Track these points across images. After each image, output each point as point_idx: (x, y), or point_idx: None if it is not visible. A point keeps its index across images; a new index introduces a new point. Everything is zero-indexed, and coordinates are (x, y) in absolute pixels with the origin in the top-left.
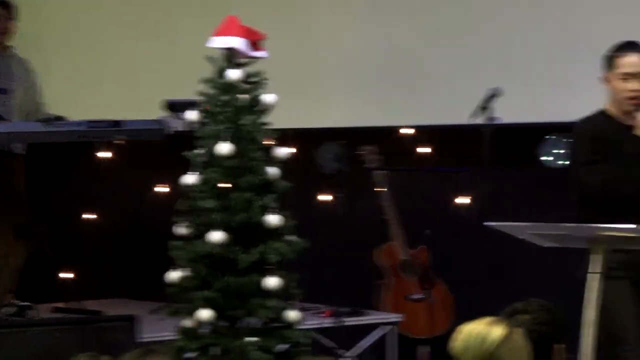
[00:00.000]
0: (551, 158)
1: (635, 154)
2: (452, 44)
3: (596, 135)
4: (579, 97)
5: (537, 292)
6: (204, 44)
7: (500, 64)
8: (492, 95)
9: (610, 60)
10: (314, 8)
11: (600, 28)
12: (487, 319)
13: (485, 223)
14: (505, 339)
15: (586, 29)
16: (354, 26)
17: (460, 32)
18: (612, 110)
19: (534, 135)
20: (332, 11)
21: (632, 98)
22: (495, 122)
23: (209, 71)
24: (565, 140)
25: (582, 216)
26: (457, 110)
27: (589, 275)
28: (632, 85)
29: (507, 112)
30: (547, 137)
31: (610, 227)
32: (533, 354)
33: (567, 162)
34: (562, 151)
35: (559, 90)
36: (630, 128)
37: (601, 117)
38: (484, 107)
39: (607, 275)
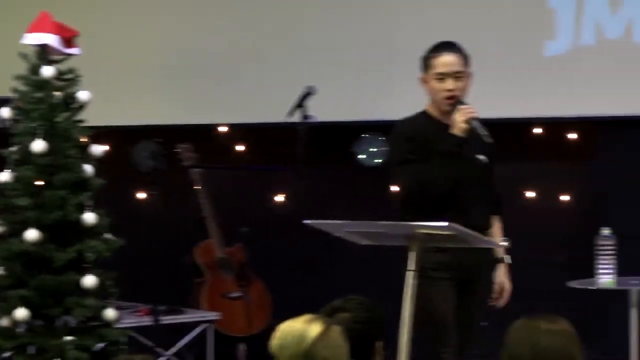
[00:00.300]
0: (366, 156)
1: (451, 152)
2: (267, 43)
3: (414, 135)
4: (395, 96)
5: (355, 289)
6: (17, 39)
7: (315, 62)
8: (307, 94)
9: (426, 61)
10: (127, 6)
11: (416, 28)
12: (305, 317)
13: (305, 221)
14: (322, 337)
15: (401, 28)
16: (167, 24)
17: (275, 31)
18: (432, 110)
19: (349, 133)
20: (145, 9)
21: (448, 98)
22: (310, 120)
23: (23, 68)
24: (380, 138)
25: (402, 215)
26: (273, 109)
27: (407, 273)
28: (448, 84)
29: (323, 111)
30: (363, 135)
31: (424, 225)
32: (352, 351)
33: (382, 161)
34: (377, 149)
35: (374, 89)
36: (449, 127)
37: (422, 117)
38: (299, 106)
39: (429, 276)
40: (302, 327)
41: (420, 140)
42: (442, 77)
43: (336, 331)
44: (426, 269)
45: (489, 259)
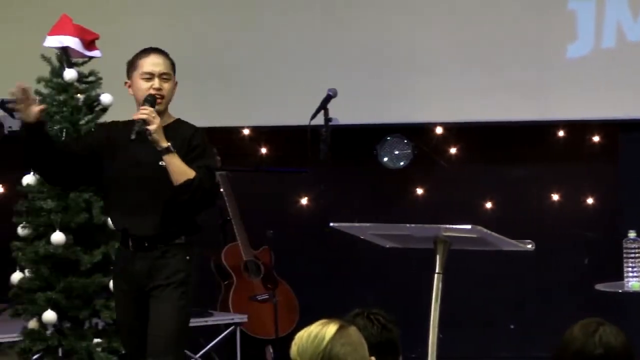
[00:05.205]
0: (389, 159)
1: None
2: (290, 45)
3: None
4: (417, 98)
5: (379, 291)
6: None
7: (338, 64)
8: (329, 97)
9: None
10: (153, 8)
11: (437, 30)
12: (320, 321)
13: (331, 224)
14: (339, 335)
15: (422, 31)
16: (190, 26)
17: (298, 33)
18: None
19: (372, 135)
20: (173, 11)
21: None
22: (333, 122)
23: (46, 70)
24: (405, 141)
25: None
26: (296, 111)
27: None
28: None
29: (346, 113)
30: (386, 137)
31: (449, 228)
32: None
33: (405, 163)
34: (401, 152)
35: (397, 91)
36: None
37: None
38: (322, 108)
39: (113, 286)
40: (318, 329)
41: None
42: (149, 76)
43: (353, 329)
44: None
45: (163, 264)
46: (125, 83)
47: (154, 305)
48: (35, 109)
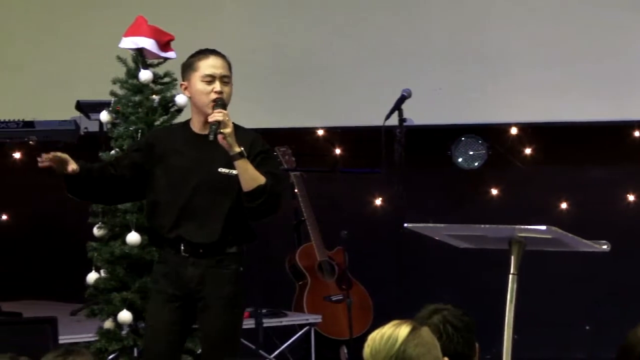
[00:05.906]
0: (464, 159)
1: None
2: (364, 47)
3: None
4: (492, 99)
5: (454, 292)
6: (115, 43)
7: (412, 65)
8: (403, 97)
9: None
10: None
11: (509, 32)
12: (392, 322)
13: (405, 225)
14: (412, 336)
15: (496, 32)
16: (266, 28)
17: (371, 34)
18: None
19: (447, 136)
20: (237, 13)
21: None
22: (407, 123)
23: (121, 71)
24: (479, 141)
25: None
26: (370, 112)
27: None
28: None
29: (420, 114)
30: (461, 138)
31: (524, 228)
32: (455, 349)
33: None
34: (475, 153)
35: (471, 92)
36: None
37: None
38: (396, 109)
39: (151, 288)
40: (391, 331)
41: None
42: (210, 79)
43: (426, 330)
44: (152, 281)
45: (216, 273)
46: (181, 85)
47: (205, 319)
48: (71, 167)
